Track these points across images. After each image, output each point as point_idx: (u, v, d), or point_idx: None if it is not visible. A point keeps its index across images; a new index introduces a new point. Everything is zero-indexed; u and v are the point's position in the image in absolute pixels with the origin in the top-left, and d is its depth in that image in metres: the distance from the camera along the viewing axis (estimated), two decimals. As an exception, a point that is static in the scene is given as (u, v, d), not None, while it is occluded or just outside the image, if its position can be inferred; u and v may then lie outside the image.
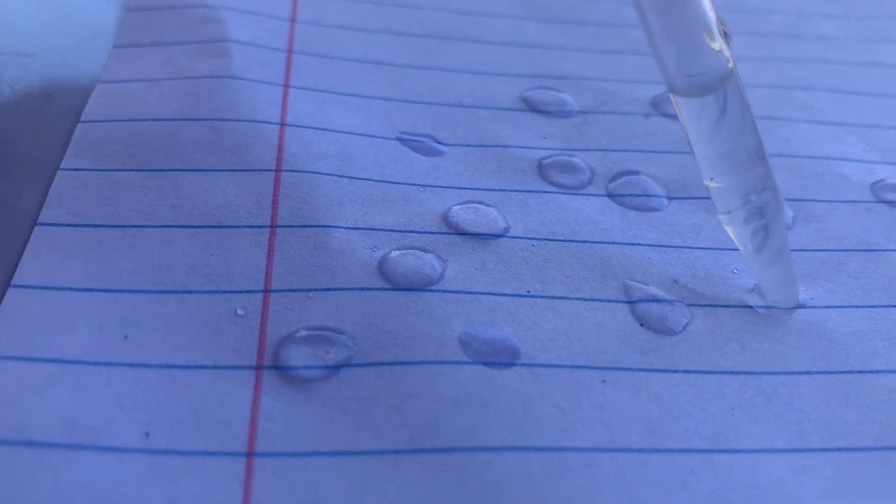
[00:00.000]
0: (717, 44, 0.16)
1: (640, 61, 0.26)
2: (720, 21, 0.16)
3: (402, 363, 0.17)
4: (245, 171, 0.20)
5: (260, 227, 0.19)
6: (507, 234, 0.20)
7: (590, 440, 0.16)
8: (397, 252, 0.19)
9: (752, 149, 0.17)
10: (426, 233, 0.19)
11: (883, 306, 0.19)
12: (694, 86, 0.16)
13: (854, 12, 0.29)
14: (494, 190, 0.21)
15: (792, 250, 0.20)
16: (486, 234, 0.19)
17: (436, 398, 0.16)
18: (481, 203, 0.20)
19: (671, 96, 0.17)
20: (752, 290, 0.19)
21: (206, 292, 0.17)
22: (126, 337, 0.16)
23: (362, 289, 0.18)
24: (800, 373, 0.18)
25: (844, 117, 0.25)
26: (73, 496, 0.14)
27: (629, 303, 0.19)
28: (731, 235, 0.18)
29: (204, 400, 0.16)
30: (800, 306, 0.19)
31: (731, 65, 0.16)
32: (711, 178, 0.17)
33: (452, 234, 0.19)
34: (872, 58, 0.27)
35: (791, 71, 0.26)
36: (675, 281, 0.19)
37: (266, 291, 0.18)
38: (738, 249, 0.20)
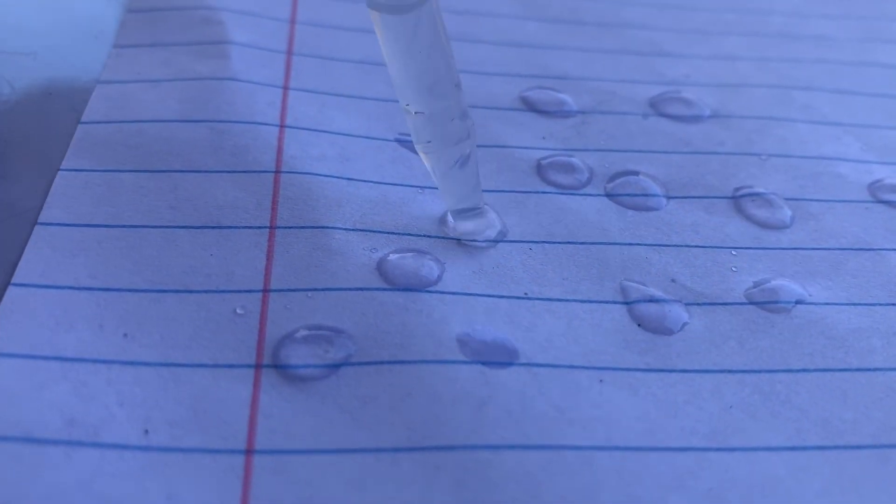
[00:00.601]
0: None
1: (639, 61, 0.26)
2: None
3: (400, 362, 0.17)
4: (245, 172, 0.20)
5: (259, 227, 0.19)
6: (505, 238, 0.20)
7: (588, 439, 0.16)
8: (396, 255, 0.19)
9: (450, 78, 0.17)
10: (424, 235, 0.19)
11: (881, 304, 0.19)
12: (394, 2, 0.16)
13: (852, 13, 0.29)
14: (493, 191, 0.21)
15: (790, 248, 0.20)
16: (483, 239, 0.19)
17: (434, 397, 0.16)
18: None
19: (370, 12, 0.17)
20: (444, 223, 0.20)
21: (205, 292, 0.17)
22: (126, 335, 0.17)
23: (361, 289, 0.18)
24: (798, 370, 0.18)
25: (843, 117, 0.25)
26: (74, 493, 0.14)
27: (627, 303, 0.19)
28: (427, 164, 0.18)
29: (203, 398, 0.16)
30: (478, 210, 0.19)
31: None
32: (408, 105, 0.18)
33: (450, 237, 0.19)
34: (871, 58, 0.27)
35: (790, 71, 0.26)
36: (673, 280, 0.19)
37: (265, 291, 0.18)
38: (736, 247, 0.20)
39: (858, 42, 0.28)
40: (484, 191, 0.21)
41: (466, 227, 0.19)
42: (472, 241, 0.19)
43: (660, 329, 0.18)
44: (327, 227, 0.19)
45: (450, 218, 0.20)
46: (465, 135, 0.18)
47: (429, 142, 0.18)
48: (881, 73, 0.27)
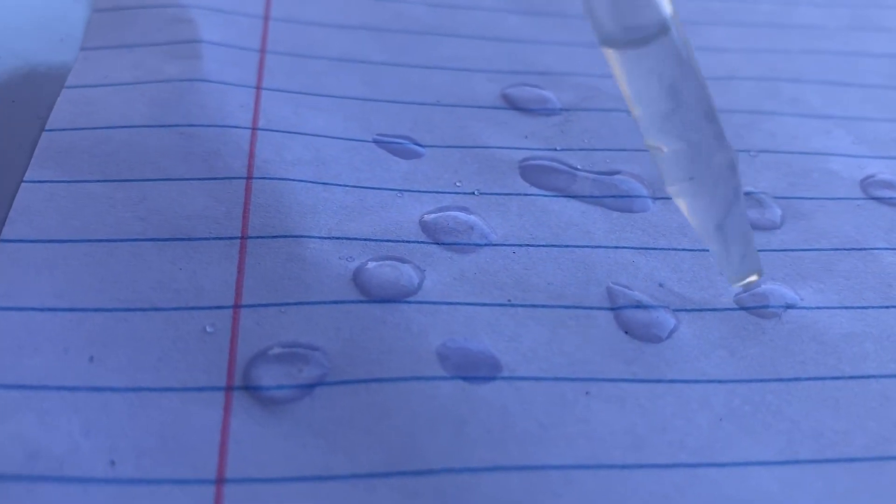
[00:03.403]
0: None
1: (624, 55, 0.25)
2: None
3: (377, 380, 0.16)
4: (215, 179, 0.19)
5: (230, 238, 0.18)
6: (487, 242, 0.19)
7: (572, 457, 0.15)
8: (374, 263, 0.18)
9: (701, 107, 0.16)
10: (403, 241, 0.19)
11: (874, 307, 0.19)
12: (630, 37, 0.15)
13: (842, 0, 0.29)
14: (474, 194, 0.20)
15: (780, 250, 0.20)
16: (465, 244, 0.19)
17: (413, 417, 0.16)
18: (461, 209, 0.20)
19: (604, 50, 0.15)
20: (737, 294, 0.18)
21: (173, 309, 0.17)
22: (92, 359, 0.16)
23: (337, 302, 0.17)
24: (789, 380, 0.17)
25: (833, 110, 0.24)
26: (36, 530, 0.14)
27: (613, 309, 0.18)
28: (683, 209, 0.17)
29: (172, 424, 0.15)
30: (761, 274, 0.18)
31: (670, 10, 0.15)
32: (657, 142, 0.16)
33: (431, 243, 0.19)
34: (861, 47, 0.27)
35: (778, 62, 0.26)
36: (660, 285, 0.19)
37: (236, 307, 0.17)
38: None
39: (848, 31, 0.27)
40: (464, 195, 0.20)
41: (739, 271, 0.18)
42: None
43: (647, 336, 0.18)
44: (301, 237, 0.18)
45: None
46: (728, 168, 0.16)
47: (691, 178, 0.16)
48: (872, 63, 0.26)
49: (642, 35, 0.15)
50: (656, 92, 0.15)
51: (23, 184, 0.19)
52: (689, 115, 0.16)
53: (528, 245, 0.19)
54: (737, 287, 0.18)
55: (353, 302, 0.17)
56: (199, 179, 0.19)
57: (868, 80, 0.25)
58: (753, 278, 0.17)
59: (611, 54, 0.15)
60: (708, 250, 0.19)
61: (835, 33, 0.27)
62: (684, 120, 0.16)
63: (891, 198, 0.21)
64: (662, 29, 0.15)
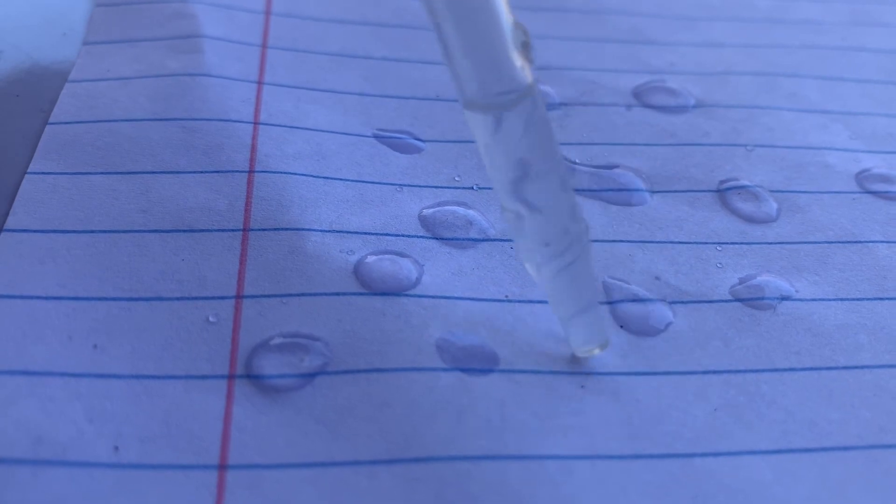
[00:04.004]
0: (519, 59, 0.14)
1: (622, 50, 0.25)
2: (520, 28, 0.14)
3: (377, 370, 0.16)
4: (217, 172, 0.20)
5: (232, 230, 0.18)
6: (486, 238, 0.19)
7: (569, 448, 0.16)
8: (373, 257, 0.18)
9: (560, 172, 0.15)
10: (403, 236, 0.19)
11: (868, 299, 0.19)
12: (489, 102, 0.14)
13: (840, -4, 0.29)
14: (473, 189, 0.20)
15: (776, 243, 0.20)
16: (463, 239, 0.19)
17: (412, 406, 0.16)
18: (460, 204, 0.20)
19: (465, 113, 0.15)
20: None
21: (176, 299, 0.17)
22: (95, 346, 0.16)
23: (337, 294, 0.17)
24: (784, 370, 0.17)
25: (830, 105, 0.24)
26: (41, 515, 0.14)
27: (609, 303, 0.18)
28: (537, 279, 0.16)
29: (175, 411, 0.15)
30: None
31: (530, 80, 0.15)
32: (513, 207, 0.15)
33: (429, 237, 0.19)
34: (858, 43, 0.27)
35: (776, 57, 0.26)
36: (657, 278, 0.19)
37: (238, 297, 0.17)
38: (721, 243, 0.20)
39: (846, 26, 0.27)
40: (463, 189, 0.20)
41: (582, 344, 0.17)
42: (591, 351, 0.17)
43: (643, 330, 0.18)
44: (302, 230, 0.19)
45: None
46: (571, 242, 0.16)
47: (546, 244, 0.16)
48: (869, 59, 0.26)
49: (501, 102, 0.14)
50: (511, 158, 0.15)
51: (27, 175, 0.19)
52: (543, 184, 0.15)
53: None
54: (581, 355, 0.17)
55: (353, 294, 0.18)
56: (202, 172, 0.20)
57: (866, 76, 0.25)
58: (597, 351, 0.17)
59: (470, 117, 0.15)
60: (703, 243, 0.20)
61: (833, 29, 0.27)
62: (539, 188, 0.15)
63: (886, 192, 0.22)
64: (521, 97, 0.15)
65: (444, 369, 0.16)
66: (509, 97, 0.14)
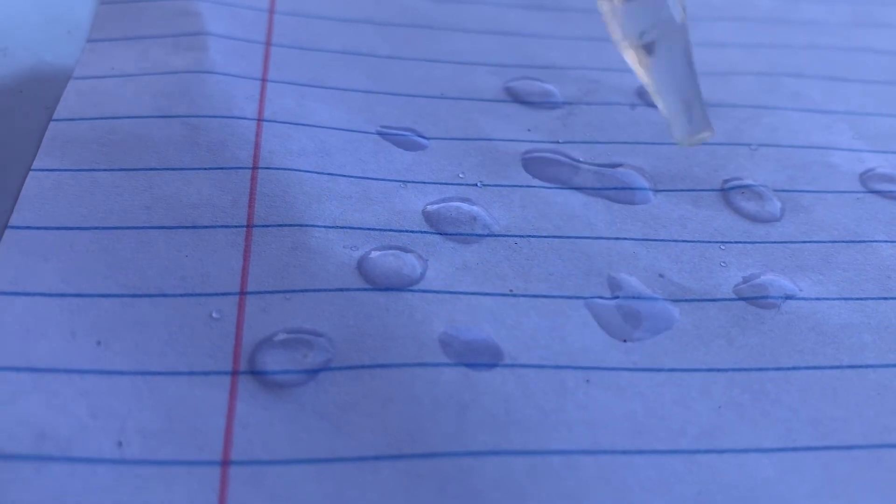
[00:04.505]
0: None
1: (626, 49, 0.25)
2: None
3: (381, 366, 0.16)
4: (221, 168, 0.20)
5: (236, 227, 0.18)
6: (490, 233, 0.19)
7: (573, 442, 0.16)
8: (377, 252, 0.18)
9: None
10: (406, 231, 0.19)
11: (872, 299, 0.19)
12: None
13: (843, -3, 0.29)
14: (477, 185, 0.20)
15: (779, 242, 0.20)
16: (467, 234, 0.19)
17: (416, 402, 0.16)
18: (464, 200, 0.20)
19: None
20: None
21: (180, 295, 0.17)
22: (99, 343, 0.16)
23: (341, 289, 0.17)
24: (788, 368, 0.17)
25: (833, 105, 0.24)
26: (44, 509, 0.14)
27: (614, 299, 0.18)
28: (635, 65, 0.17)
29: (178, 407, 0.15)
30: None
31: None
32: None
33: (433, 233, 0.19)
34: (862, 43, 0.27)
35: (779, 57, 0.26)
36: (660, 275, 0.19)
37: (242, 294, 0.17)
38: (725, 242, 0.20)
39: (849, 27, 0.27)
40: (467, 186, 0.20)
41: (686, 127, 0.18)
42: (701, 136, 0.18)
43: (647, 326, 0.18)
44: (306, 226, 0.19)
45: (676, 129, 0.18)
46: (682, 28, 0.16)
47: (642, 33, 0.16)
48: (873, 59, 0.26)
49: None
50: None
51: (31, 172, 0.19)
52: None
53: (530, 236, 0.19)
54: (687, 145, 0.17)
55: (357, 290, 0.18)
56: (205, 169, 0.20)
57: (869, 76, 0.25)
58: (706, 135, 0.17)
59: None
60: (707, 242, 0.20)
61: (836, 29, 0.27)
62: None
63: (890, 191, 0.22)
64: None
65: (448, 364, 0.16)
66: None
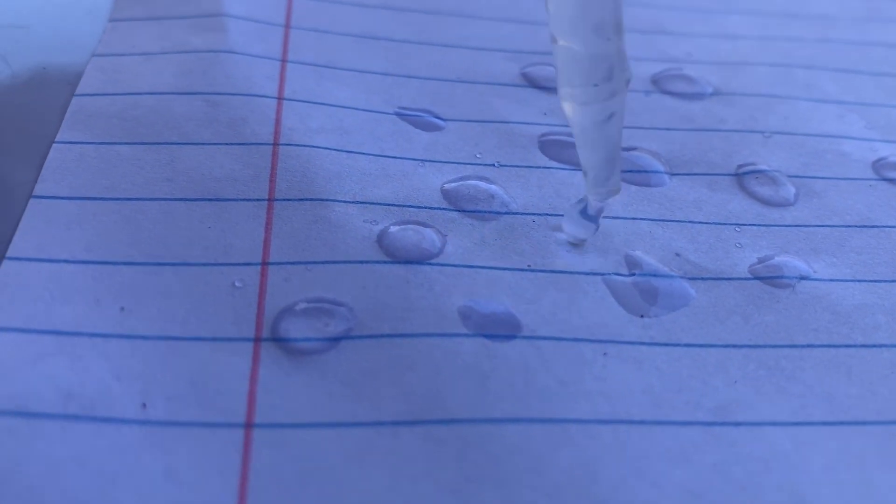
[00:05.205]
0: None
1: (641, 39, 0.26)
2: None
3: (401, 335, 0.16)
4: (242, 144, 0.20)
5: (258, 200, 0.19)
6: (508, 211, 0.19)
7: (591, 412, 0.16)
8: (396, 227, 0.18)
9: (614, 20, 0.16)
10: (425, 208, 0.19)
11: (886, 281, 0.19)
12: None
13: (855, -9, 0.29)
14: (494, 165, 0.21)
15: (793, 226, 0.20)
16: (485, 211, 0.19)
17: (436, 370, 0.16)
18: (481, 179, 0.20)
19: None
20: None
21: (203, 265, 0.17)
22: (122, 309, 0.16)
23: (361, 262, 0.18)
24: (803, 346, 0.18)
25: (846, 96, 0.24)
26: (70, 467, 0.14)
27: (631, 276, 0.18)
28: (569, 114, 0.17)
29: (202, 371, 0.15)
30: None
31: None
32: (567, 41, 0.16)
33: (452, 210, 0.19)
34: (874, 37, 0.27)
35: (792, 50, 0.26)
36: (677, 254, 0.19)
37: (264, 264, 0.17)
38: (740, 224, 0.20)
39: (861, 21, 0.28)
40: (484, 165, 0.21)
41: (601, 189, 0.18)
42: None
43: (663, 303, 0.18)
44: (326, 200, 0.19)
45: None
46: (618, 87, 0.17)
47: (575, 87, 0.17)
48: (884, 53, 0.26)
49: None
50: (584, 7, 0.16)
51: (54, 144, 0.19)
52: (603, 24, 0.16)
53: (547, 214, 0.19)
54: (596, 201, 0.18)
55: (377, 262, 0.18)
56: (227, 144, 0.20)
57: (880, 69, 0.26)
58: (615, 195, 0.18)
59: None
60: (723, 224, 0.20)
61: (848, 23, 0.27)
62: (597, 26, 0.16)
63: (903, 179, 0.22)
64: None
65: (468, 335, 0.17)
66: None
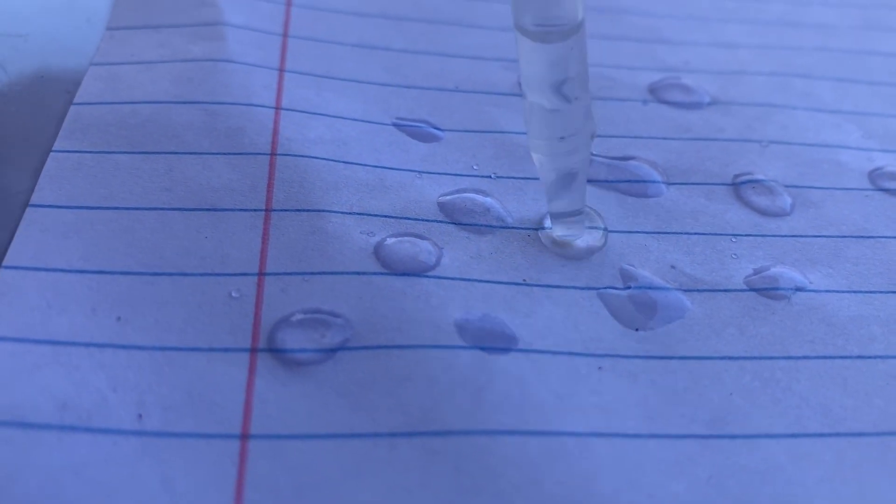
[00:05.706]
0: None
1: (639, 48, 0.26)
2: None
3: (398, 347, 0.16)
4: (239, 154, 0.20)
5: (255, 210, 0.19)
6: (503, 224, 0.19)
7: (587, 425, 0.16)
8: (393, 239, 0.19)
9: (582, 80, 0.17)
10: (422, 220, 0.19)
11: (881, 292, 0.19)
12: (544, 31, 0.16)
13: (854, 1, 0.29)
14: (491, 177, 0.21)
15: (789, 236, 0.20)
16: (481, 225, 0.19)
17: (432, 382, 0.16)
18: (478, 192, 0.20)
19: (516, 33, 0.17)
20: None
21: (200, 275, 0.17)
22: (119, 318, 0.16)
23: (358, 273, 0.18)
24: (798, 358, 0.18)
25: (843, 105, 0.25)
26: (66, 478, 0.14)
27: (626, 290, 0.18)
28: (536, 163, 0.18)
29: (198, 382, 0.16)
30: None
31: (582, 15, 0.17)
32: (538, 99, 0.17)
33: (448, 222, 0.19)
34: (871, 47, 0.27)
35: (790, 59, 0.26)
36: (672, 267, 0.19)
37: (261, 274, 0.17)
38: (736, 235, 0.20)
39: (859, 30, 0.28)
40: (481, 178, 0.21)
41: (562, 230, 0.19)
42: (569, 240, 0.19)
43: (659, 316, 0.18)
44: (323, 211, 0.19)
45: (547, 222, 0.19)
46: (582, 142, 0.18)
47: (541, 140, 0.18)
48: (882, 62, 0.26)
49: (555, 31, 0.16)
50: (550, 70, 0.17)
51: (51, 153, 0.19)
52: (573, 85, 0.17)
53: (542, 229, 0.19)
54: (557, 244, 0.19)
55: (374, 274, 0.18)
56: (224, 154, 0.20)
57: (878, 78, 0.26)
58: (575, 241, 0.19)
59: (521, 39, 0.17)
60: (719, 234, 0.20)
61: (846, 32, 0.27)
62: (563, 85, 0.17)
63: (899, 189, 0.22)
64: (573, 29, 0.16)
65: (464, 347, 0.17)
66: (562, 30, 0.16)
